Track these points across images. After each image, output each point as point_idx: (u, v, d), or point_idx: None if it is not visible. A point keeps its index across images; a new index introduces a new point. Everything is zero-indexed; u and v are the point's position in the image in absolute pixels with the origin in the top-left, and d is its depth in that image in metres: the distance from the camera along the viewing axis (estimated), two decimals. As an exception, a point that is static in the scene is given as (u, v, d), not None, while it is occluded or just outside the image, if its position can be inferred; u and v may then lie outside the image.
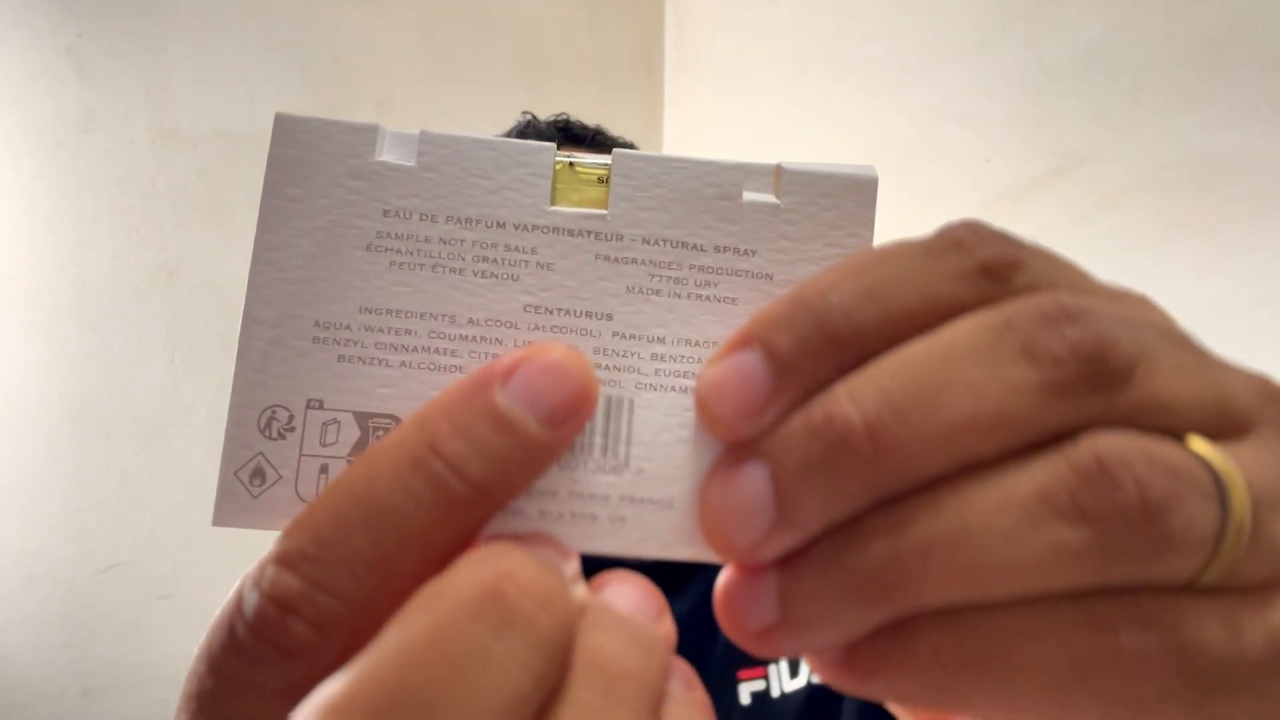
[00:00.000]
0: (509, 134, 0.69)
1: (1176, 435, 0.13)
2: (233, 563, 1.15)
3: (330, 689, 0.12)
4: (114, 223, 1.11)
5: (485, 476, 0.14)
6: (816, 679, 0.53)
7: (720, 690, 0.53)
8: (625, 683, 0.13)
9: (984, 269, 0.14)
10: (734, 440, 0.14)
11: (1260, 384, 0.15)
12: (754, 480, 0.14)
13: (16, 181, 1.07)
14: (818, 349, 0.14)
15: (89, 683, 1.04)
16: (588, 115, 0.74)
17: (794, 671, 0.54)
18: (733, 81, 1.41)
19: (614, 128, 0.75)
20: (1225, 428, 0.14)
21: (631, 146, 0.71)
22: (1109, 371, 0.13)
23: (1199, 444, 0.13)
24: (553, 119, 0.69)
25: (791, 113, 1.27)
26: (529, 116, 0.70)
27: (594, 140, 0.68)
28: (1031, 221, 0.93)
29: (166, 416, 1.12)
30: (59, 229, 1.08)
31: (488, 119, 1.40)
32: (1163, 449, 0.13)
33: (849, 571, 0.13)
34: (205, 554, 1.13)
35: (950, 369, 0.13)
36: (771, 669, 0.54)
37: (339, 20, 1.26)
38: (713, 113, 1.44)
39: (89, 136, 1.10)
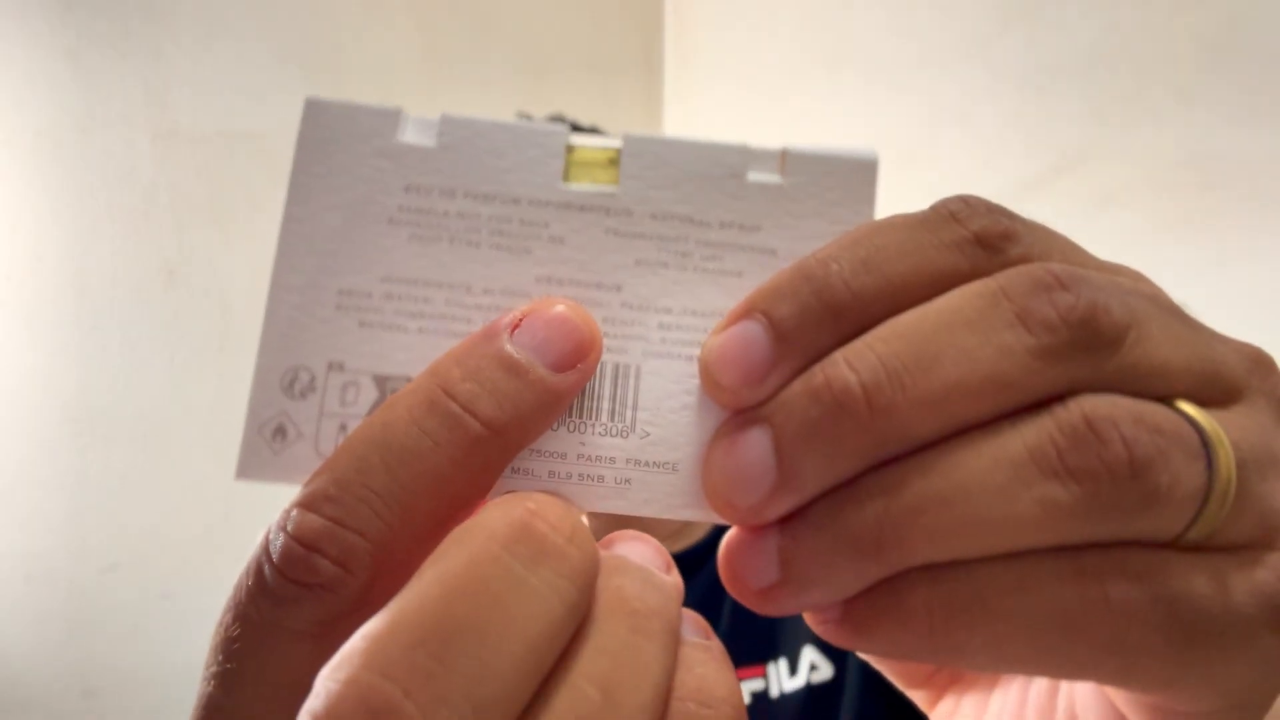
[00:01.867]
0: None
1: (1166, 399, 0.14)
2: (233, 562, 1.14)
3: (374, 623, 0.12)
4: (114, 223, 1.11)
5: (497, 415, 0.15)
6: (815, 679, 0.53)
7: None
8: (649, 618, 0.14)
9: (978, 239, 0.14)
10: (737, 407, 0.15)
11: (1251, 353, 0.15)
12: (756, 444, 0.14)
13: (16, 181, 1.07)
14: (817, 318, 0.14)
15: (89, 683, 1.04)
16: (588, 115, 0.74)
17: (793, 671, 0.54)
18: (732, 81, 1.41)
19: (614, 127, 0.75)
20: (1215, 394, 0.14)
21: None
22: (1100, 336, 0.13)
23: (1187, 407, 0.14)
24: (548, 119, 0.69)
25: (791, 113, 1.27)
26: (525, 116, 0.70)
27: None
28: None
29: (166, 416, 1.12)
30: (58, 229, 1.08)
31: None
32: (1151, 410, 0.13)
33: (845, 530, 0.13)
34: (205, 554, 1.13)
35: (945, 335, 0.13)
36: (770, 669, 0.54)
37: (339, 21, 1.26)
38: (713, 112, 1.44)
39: (89, 137, 1.10)
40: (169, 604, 1.09)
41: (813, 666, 0.53)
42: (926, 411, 0.13)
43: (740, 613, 0.56)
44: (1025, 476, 0.13)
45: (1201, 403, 0.14)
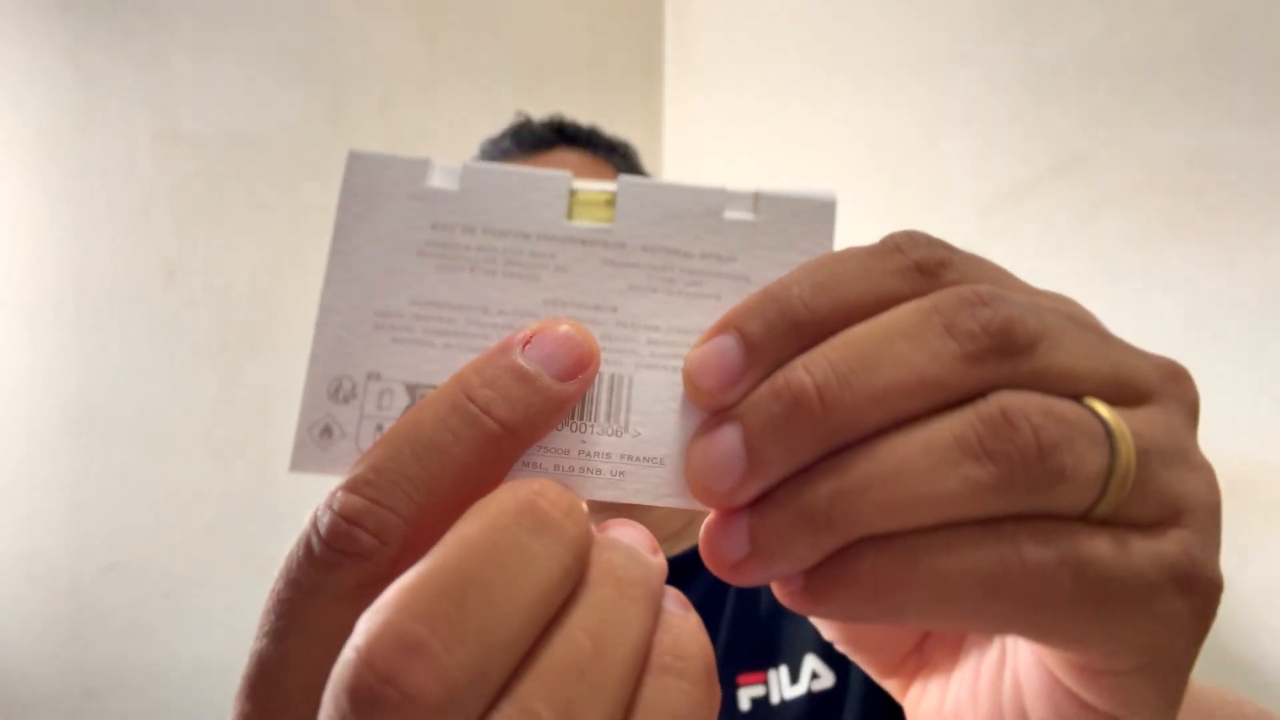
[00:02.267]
0: (504, 134, 0.70)
1: (1077, 397, 0.16)
2: (233, 562, 1.15)
3: (406, 578, 0.15)
4: (114, 223, 1.11)
5: (510, 416, 0.18)
6: (817, 687, 0.52)
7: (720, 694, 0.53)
8: (633, 585, 0.16)
9: (918, 266, 0.17)
10: (714, 408, 0.18)
11: (1165, 364, 0.18)
12: (729, 438, 0.17)
13: (16, 181, 1.07)
14: (781, 332, 0.17)
15: (89, 682, 1.04)
16: (587, 116, 0.74)
17: (794, 679, 0.53)
18: (732, 82, 1.41)
19: (614, 128, 0.75)
20: (1123, 396, 0.17)
21: (626, 146, 0.70)
22: (1014, 344, 0.16)
23: (1094, 403, 0.16)
24: (547, 119, 0.70)
25: (791, 113, 1.27)
26: (524, 117, 0.71)
27: (588, 140, 0.69)
28: (1031, 221, 0.93)
29: (167, 416, 1.12)
30: (59, 229, 1.08)
31: (487, 119, 1.40)
32: (1059, 404, 0.16)
33: (803, 507, 0.16)
34: (205, 554, 1.13)
35: (885, 344, 0.16)
36: (771, 675, 0.54)
37: (339, 21, 1.26)
38: (712, 112, 1.44)
39: (89, 137, 1.10)
40: (169, 603, 1.10)
41: (814, 675, 0.53)
42: (870, 407, 0.16)
43: (742, 618, 0.56)
44: (951, 458, 0.15)
45: (1112, 402, 0.17)
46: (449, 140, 1.33)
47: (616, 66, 1.54)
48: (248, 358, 1.17)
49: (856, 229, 1.25)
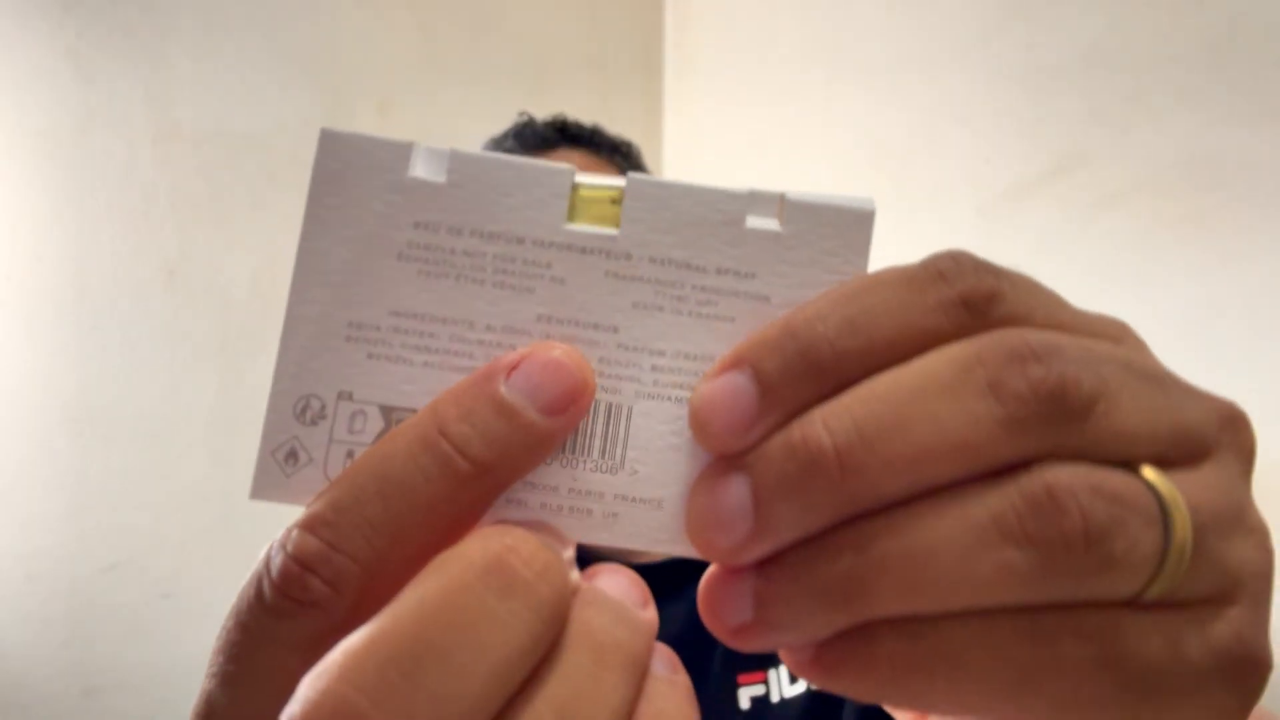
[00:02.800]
0: (506, 134, 0.70)
1: (1131, 464, 0.15)
2: (233, 562, 1.15)
3: (353, 639, 0.13)
4: (114, 223, 1.11)
5: (486, 456, 0.16)
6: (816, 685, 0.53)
7: (720, 694, 0.53)
8: (614, 652, 0.15)
9: (964, 301, 0.15)
10: (722, 453, 0.16)
11: (1222, 408, 0.16)
12: (736, 491, 0.15)
13: (16, 181, 1.07)
14: (801, 374, 0.15)
15: (89, 682, 1.04)
16: (588, 116, 0.74)
17: (794, 677, 0.54)
18: (732, 82, 1.41)
19: (614, 128, 0.75)
20: (1183, 454, 0.15)
21: (629, 145, 0.70)
22: (1068, 409, 0.14)
23: (1149, 472, 0.14)
24: (549, 119, 0.70)
25: (791, 114, 1.27)
26: (526, 116, 0.71)
27: (591, 140, 0.69)
28: (1031, 221, 0.93)
29: (166, 416, 1.12)
30: (59, 229, 1.08)
31: (488, 120, 1.40)
32: (1111, 478, 0.14)
33: (817, 580, 0.14)
34: (206, 553, 1.13)
35: (918, 401, 0.14)
36: (771, 674, 0.54)
37: (339, 21, 1.27)
38: (712, 113, 1.44)
39: (89, 136, 1.10)
40: (169, 603, 1.10)
41: None
42: (896, 473, 0.14)
43: None
44: (987, 540, 0.13)
45: (1170, 464, 0.15)
46: (449, 140, 1.33)
47: (616, 66, 1.54)
48: (247, 357, 1.17)
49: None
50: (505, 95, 1.38)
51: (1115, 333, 0.17)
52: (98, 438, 1.08)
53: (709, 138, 1.48)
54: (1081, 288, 0.85)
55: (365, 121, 1.27)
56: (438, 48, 1.35)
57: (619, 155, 0.69)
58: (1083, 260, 0.88)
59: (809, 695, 0.53)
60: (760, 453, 0.15)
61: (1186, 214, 0.80)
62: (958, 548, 0.14)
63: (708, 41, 1.48)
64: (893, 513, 0.14)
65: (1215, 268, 0.78)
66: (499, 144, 0.68)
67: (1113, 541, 0.13)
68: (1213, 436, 0.16)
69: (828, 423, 0.14)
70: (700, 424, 0.16)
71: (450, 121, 1.34)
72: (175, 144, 1.15)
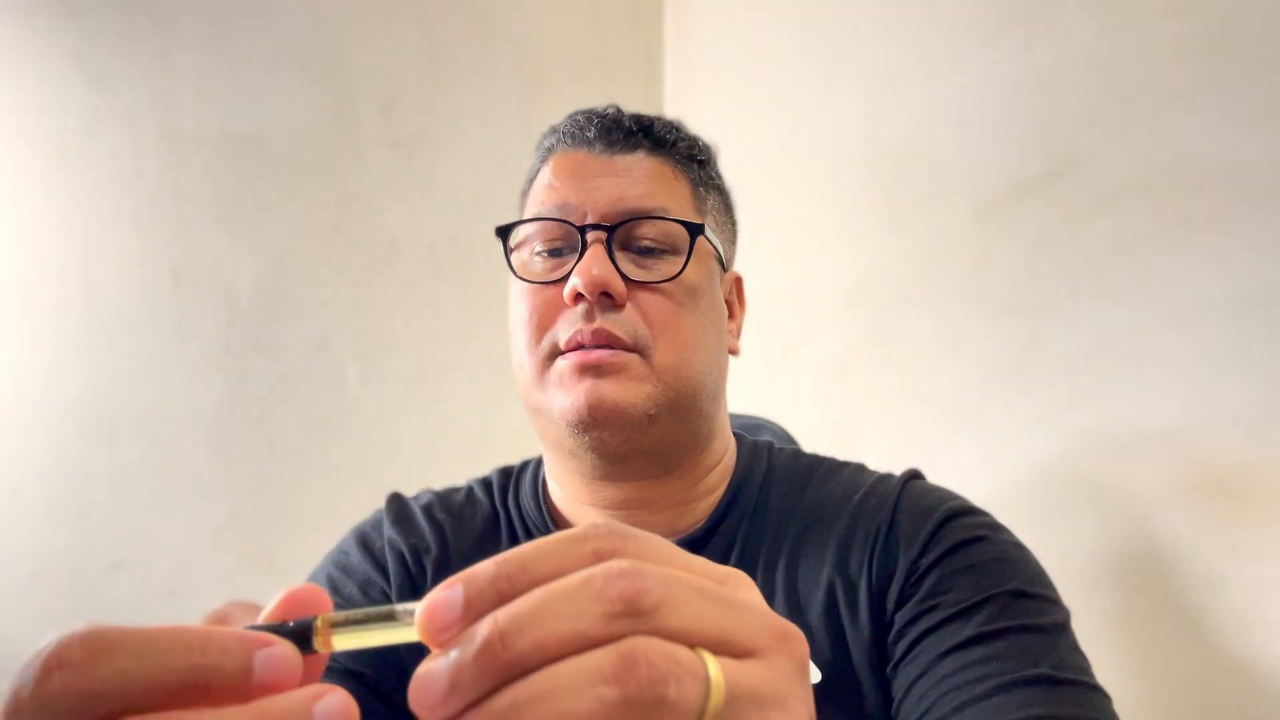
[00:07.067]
0: (589, 122, 0.60)
1: (695, 647, 0.22)
2: (235, 562, 1.16)
3: None
4: (119, 224, 1.12)
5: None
6: (814, 679, 0.53)
7: None
8: None
9: (595, 553, 0.23)
10: (436, 646, 0.22)
11: (777, 628, 0.24)
12: (438, 666, 0.21)
13: (23, 183, 1.08)
14: (490, 595, 0.22)
15: (95, 680, 1.05)
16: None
17: None
18: (732, 82, 1.42)
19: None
20: (733, 650, 0.23)
21: (708, 151, 0.64)
22: (639, 608, 0.21)
23: (702, 651, 0.22)
24: (635, 115, 0.63)
25: (790, 114, 1.28)
26: (614, 108, 0.63)
27: (674, 145, 0.61)
28: (1028, 223, 0.94)
29: (171, 416, 1.13)
30: (65, 230, 1.09)
31: (488, 120, 1.41)
32: (674, 649, 0.21)
33: (490, 713, 0.21)
34: (209, 552, 1.13)
35: (552, 603, 0.21)
36: None
37: (342, 23, 1.27)
38: (712, 113, 1.45)
39: (94, 138, 1.11)
40: (174, 601, 1.10)
41: None
42: (537, 649, 0.21)
43: None
44: (591, 681, 0.20)
45: (722, 653, 0.22)
46: (449, 140, 1.34)
47: (616, 66, 1.55)
48: (252, 357, 1.18)
49: (854, 230, 1.25)
50: (506, 95, 1.39)
51: (719, 575, 0.25)
52: (103, 437, 1.09)
53: (708, 138, 1.48)
54: (1076, 288, 0.85)
55: (368, 122, 1.28)
56: (440, 49, 1.35)
57: (694, 165, 0.62)
58: (1079, 261, 0.89)
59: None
60: (458, 639, 0.21)
61: (1182, 215, 0.81)
62: (571, 686, 0.20)
63: (708, 42, 1.49)
64: (534, 671, 0.21)
65: (1210, 268, 0.79)
66: (581, 130, 0.60)
67: (669, 686, 0.21)
68: (763, 643, 0.23)
69: (496, 620, 0.21)
70: (423, 626, 0.22)
71: (452, 122, 1.35)
72: (180, 145, 1.15)
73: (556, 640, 0.21)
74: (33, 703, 0.19)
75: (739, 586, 0.25)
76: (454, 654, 0.21)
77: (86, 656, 0.20)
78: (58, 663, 0.20)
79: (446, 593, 0.22)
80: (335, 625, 0.23)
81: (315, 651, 0.23)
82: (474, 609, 0.22)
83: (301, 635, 0.23)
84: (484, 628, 0.21)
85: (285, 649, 0.21)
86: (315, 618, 0.23)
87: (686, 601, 0.22)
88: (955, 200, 1.02)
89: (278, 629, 0.22)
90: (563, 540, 0.23)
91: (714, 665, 0.22)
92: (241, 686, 0.21)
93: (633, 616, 0.21)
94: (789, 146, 1.27)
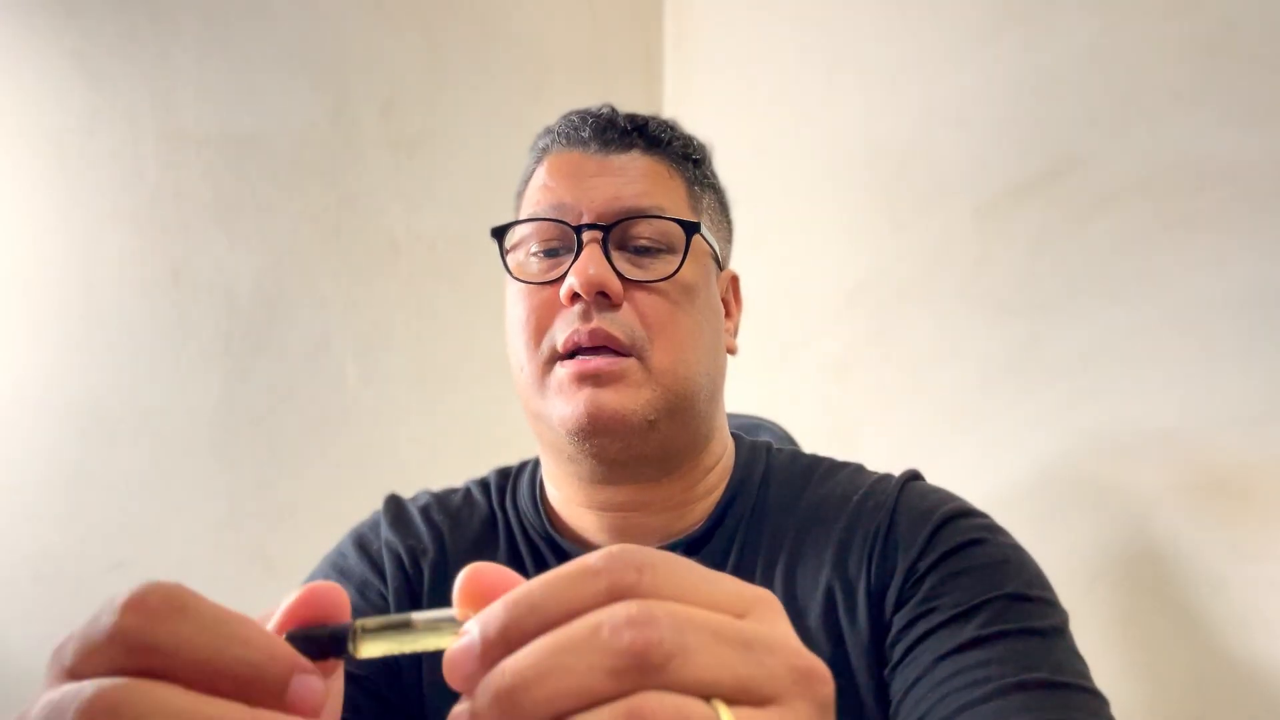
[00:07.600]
0: (584, 122, 0.60)
1: (708, 698, 0.21)
2: (235, 562, 1.16)
3: None
4: (119, 224, 1.12)
5: None
6: None
7: None
8: None
9: (609, 589, 0.22)
10: (462, 690, 0.22)
11: (800, 668, 0.22)
12: (462, 710, 0.22)
13: (23, 182, 1.08)
14: (505, 641, 0.22)
15: (95, 680, 1.05)
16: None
17: None
18: (732, 82, 1.42)
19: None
20: (750, 699, 0.21)
21: (702, 150, 0.64)
22: (649, 662, 0.20)
23: (718, 704, 0.21)
24: (629, 114, 0.63)
25: (790, 114, 1.28)
26: (609, 108, 0.64)
27: (669, 144, 0.61)
28: (1028, 223, 0.94)
29: (172, 416, 1.13)
30: (65, 230, 1.09)
31: (488, 120, 1.40)
32: (690, 704, 0.21)
33: None
34: (211, 552, 1.13)
35: (559, 654, 0.21)
36: None
37: (343, 23, 1.27)
38: (712, 113, 1.45)
39: (94, 138, 1.11)
40: (174, 602, 1.10)
41: None
42: (545, 702, 0.21)
43: None
44: None
45: (739, 704, 0.21)
46: (449, 140, 1.34)
47: (616, 66, 1.55)
48: (252, 357, 1.18)
49: (854, 230, 1.25)
50: (507, 95, 1.39)
51: (743, 606, 0.23)
52: (103, 437, 1.09)
53: (707, 138, 1.48)
54: (1075, 288, 0.86)
55: (368, 122, 1.28)
56: (440, 49, 1.35)
57: (689, 164, 0.62)
58: (1079, 261, 0.89)
59: None
60: (479, 687, 0.22)
61: (1182, 216, 0.81)
62: None
63: (708, 42, 1.49)
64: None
65: (1210, 268, 0.79)
66: (576, 130, 0.60)
67: None
68: (783, 689, 0.22)
69: (506, 670, 0.21)
70: (448, 667, 0.22)
71: (452, 122, 1.35)
72: (180, 145, 1.15)
73: (563, 697, 0.21)
74: (104, 633, 0.21)
75: (764, 615, 0.24)
76: (470, 705, 0.22)
77: (161, 608, 0.21)
78: (137, 604, 0.21)
79: (465, 641, 0.22)
80: (368, 631, 0.23)
81: (348, 656, 0.23)
82: (489, 656, 0.22)
83: (336, 641, 0.23)
84: (493, 682, 0.21)
85: (319, 684, 0.22)
86: (353, 623, 0.23)
87: (701, 650, 0.21)
88: (955, 200, 1.02)
89: (315, 634, 0.23)
90: (575, 575, 0.22)
91: (726, 714, 0.21)
92: (270, 695, 0.21)
93: (642, 671, 0.21)
94: (789, 146, 1.27)
